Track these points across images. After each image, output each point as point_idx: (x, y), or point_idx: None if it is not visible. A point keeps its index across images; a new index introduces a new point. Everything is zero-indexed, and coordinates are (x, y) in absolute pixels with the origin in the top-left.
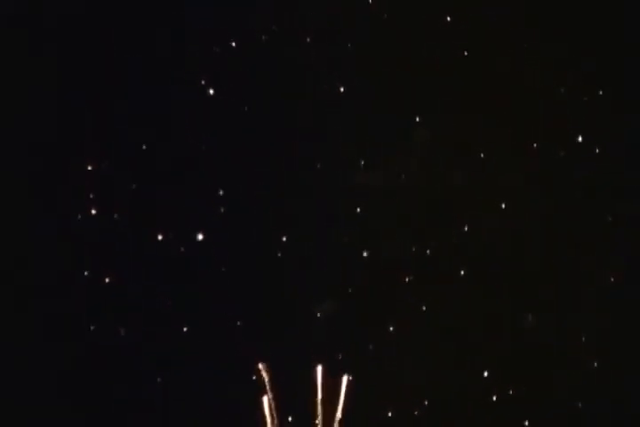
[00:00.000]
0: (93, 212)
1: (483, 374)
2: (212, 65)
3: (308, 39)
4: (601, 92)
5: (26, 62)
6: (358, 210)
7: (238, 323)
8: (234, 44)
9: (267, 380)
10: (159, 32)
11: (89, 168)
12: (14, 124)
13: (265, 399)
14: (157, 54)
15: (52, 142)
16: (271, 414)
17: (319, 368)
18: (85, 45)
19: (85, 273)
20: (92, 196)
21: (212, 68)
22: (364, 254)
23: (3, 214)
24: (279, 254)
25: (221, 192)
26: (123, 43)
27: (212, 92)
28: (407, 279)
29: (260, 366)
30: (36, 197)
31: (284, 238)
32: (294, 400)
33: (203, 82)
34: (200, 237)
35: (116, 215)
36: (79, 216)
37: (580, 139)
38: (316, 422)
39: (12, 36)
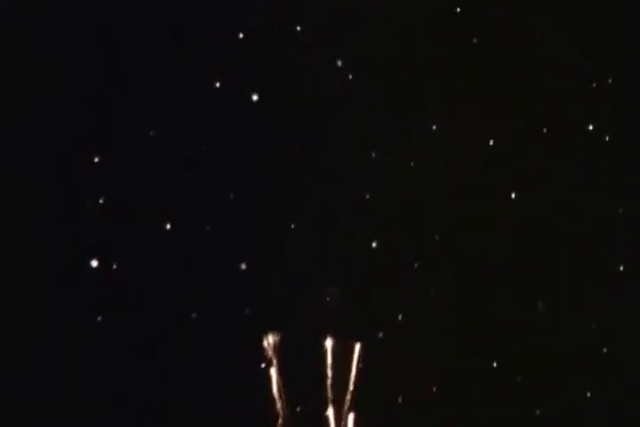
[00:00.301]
0: (101, 201)
1: (492, 363)
2: (212, 63)
3: (309, 39)
4: (610, 80)
5: (26, 62)
6: (368, 197)
7: (246, 310)
8: (235, 43)
9: (274, 354)
10: (159, 32)
11: (95, 160)
12: (14, 123)
13: (273, 373)
14: (157, 54)
15: (57, 137)
16: (279, 391)
17: (329, 348)
18: (85, 45)
19: (93, 264)
20: (98, 187)
21: (214, 66)
22: (373, 242)
23: (10, 207)
24: (287, 242)
25: (229, 180)
26: (123, 43)
27: (217, 84)
28: (416, 265)
29: (268, 341)
30: (41, 192)
31: (293, 226)
32: (303, 376)
33: (207, 77)
34: (208, 224)
35: (122, 207)
36: (85, 206)
37: (590, 127)
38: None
39: (12, 36)
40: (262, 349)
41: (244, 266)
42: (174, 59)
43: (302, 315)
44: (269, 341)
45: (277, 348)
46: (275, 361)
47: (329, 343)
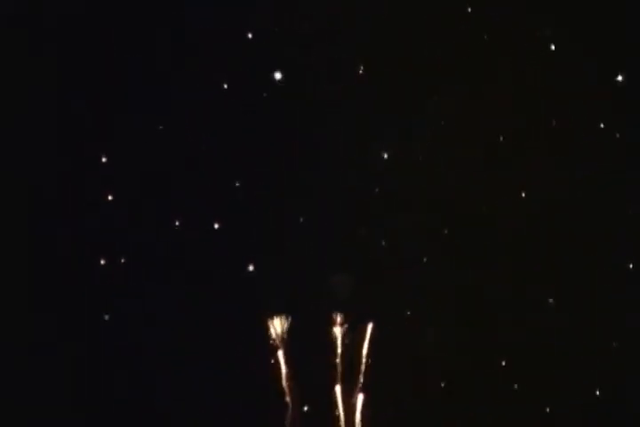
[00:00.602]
0: (110, 198)
1: (501, 362)
2: (217, 64)
3: (309, 39)
4: (612, 79)
5: (26, 62)
6: (377, 190)
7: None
8: (240, 44)
9: (282, 339)
10: (159, 32)
11: (103, 159)
12: (15, 123)
13: (281, 357)
14: (158, 54)
15: (60, 137)
16: (288, 375)
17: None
18: (85, 45)
19: (101, 262)
20: (107, 184)
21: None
22: (382, 238)
23: (21, 204)
24: (294, 235)
25: (238, 173)
26: (123, 43)
27: (225, 92)
28: (425, 260)
29: (275, 326)
30: (48, 191)
31: (301, 219)
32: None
33: (213, 78)
34: (217, 219)
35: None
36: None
37: (593, 125)
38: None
39: (12, 36)
40: (270, 335)
41: (252, 264)
42: (175, 59)
43: (310, 303)
44: (278, 325)
45: (285, 332)
46: (283, 346)
47: (338, 330)
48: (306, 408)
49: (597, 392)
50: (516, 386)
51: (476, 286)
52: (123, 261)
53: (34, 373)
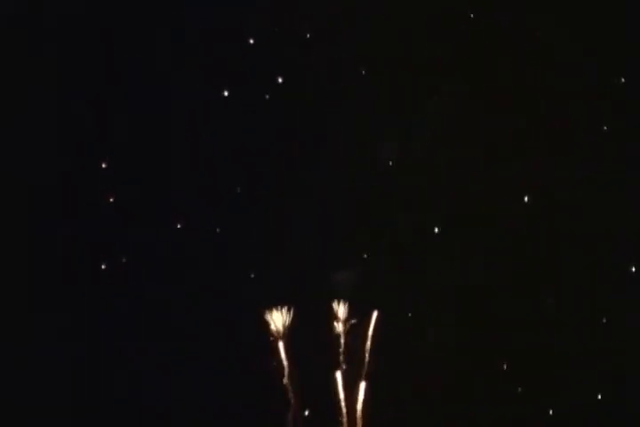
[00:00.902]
0: (111, 200)
1: (500, 361)
2: (214, 64)
3: (309, 39)
4: (623, 80)
5: (26, 62)
6: (377, 190)
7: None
8: (235, 43)
9: (284, 333)
10: (159, 33)
11: (103, 165)
12: (15, 124)
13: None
14: (158, 55)
15: (58, 138)
16: (289, 367)
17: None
18: (85, 45)
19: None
20: (108, 185)
21: (216, 67)
22: (383, 237)
23: (22, 204)
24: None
25: (238, 173)
26: (123, 43)
27: (226, 93)
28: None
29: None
30: (48, 188)
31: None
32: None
33: (213, 79)
34: (218, 218)
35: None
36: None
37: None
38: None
39: (12, 36)
40: (271, 332)
41: (252, 264)
42: (175, 59)
43: (310, 303)
44: (278, 321)
45: (286, 327)
46: (283, 341)
47: (339, 328)
48: (307, 402)
49: (598, 392)
50: (515, 385)
51: (476, 285)
52: (124, 261)
53: (34, 373)
